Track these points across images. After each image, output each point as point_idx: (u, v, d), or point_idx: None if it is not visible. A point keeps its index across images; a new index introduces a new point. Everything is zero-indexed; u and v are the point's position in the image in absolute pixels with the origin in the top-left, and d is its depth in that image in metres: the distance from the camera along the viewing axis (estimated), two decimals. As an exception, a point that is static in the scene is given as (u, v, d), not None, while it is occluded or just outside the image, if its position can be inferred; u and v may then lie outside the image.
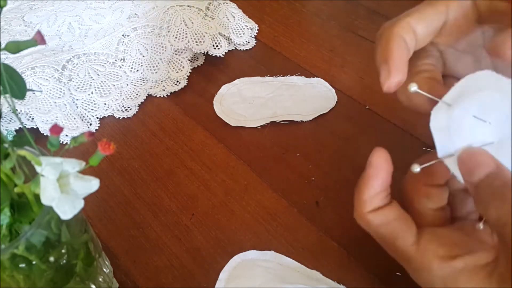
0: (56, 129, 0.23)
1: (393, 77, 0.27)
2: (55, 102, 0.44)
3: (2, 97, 0.24)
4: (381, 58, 0.28)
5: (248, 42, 0.53)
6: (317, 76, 0.48)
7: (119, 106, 0.46)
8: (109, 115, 0.46)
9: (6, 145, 0.24)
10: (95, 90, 0.46)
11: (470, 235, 0.27)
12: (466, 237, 0.27)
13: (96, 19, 0.52)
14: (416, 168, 0.27)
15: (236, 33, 0.52)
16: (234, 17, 0.53)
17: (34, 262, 0.25)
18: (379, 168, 0.27)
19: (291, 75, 0.48)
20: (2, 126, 0.43)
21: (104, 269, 0.32)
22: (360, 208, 0.28)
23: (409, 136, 0.42)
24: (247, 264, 0.34)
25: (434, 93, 0.27)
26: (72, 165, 0.23)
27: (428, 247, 0.26)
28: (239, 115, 0.45)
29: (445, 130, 0.26)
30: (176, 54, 0.49)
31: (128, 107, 0.47)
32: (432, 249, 0.26)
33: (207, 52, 0.49)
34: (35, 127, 0.43)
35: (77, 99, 0.46)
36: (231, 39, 0.52)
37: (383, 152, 0.28)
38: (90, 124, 0.45)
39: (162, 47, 0.49)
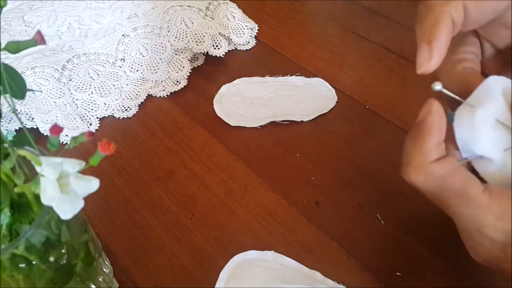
0: (56, 129, 0.23)
1: (434, 61, 0.25)
2: (55, 102, 0.44)
3: (2, 97, 0.24)
4: (423, 36, 0.26)
5: (248, 42, 0.53)
6: (317, 76, 0.48)
7: (119, 106, 0.46)
8: (109, 115, 0.46)
9: (6, 145, 0.24)
10: (95, 90, 0.46)
11: None
12: None
13: (96, 19, 0.52)
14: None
15: (236, 33, 0.52)
16: (234, 17, 0.53)
17: (34, 262, 0.25)
18: (440, 116, 0.25)
19: (291, 75, 0.48)
20: (2, 126, 0.43)
21: (104, 269, 0.32)
22: (420, 159, 0.25)
23: (409, 136, 0.42)
24: (247, 264, 0.34)
25: (471, 87, 0.26)
26: (72, 165, 0.23)
27: (503, 193, 0.24)
28: (239, 115, 0.45)
29: (468, 131, 0.25)
30: (176, 54, 0.49)
31: (128, 107, 0.47)
32: (507, 195, 0.24)
33: (207, 52, 0.49)
34: (35, 127, 0.43)
35: (77, 99, 0.46)
36: (231, 39, 0.52)
37: (439, 103, 0.25)
38: (90, 124, 0.45)
39: (162, 47, 0.49)
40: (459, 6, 0.26)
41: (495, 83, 0.25)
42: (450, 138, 0.26)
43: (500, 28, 0.28)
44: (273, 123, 0.44)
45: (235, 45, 0.52)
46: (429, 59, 0.25)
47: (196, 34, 0.49)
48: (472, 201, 0.24)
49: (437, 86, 0.25)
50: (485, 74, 0.30)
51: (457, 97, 0.26)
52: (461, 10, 0.26)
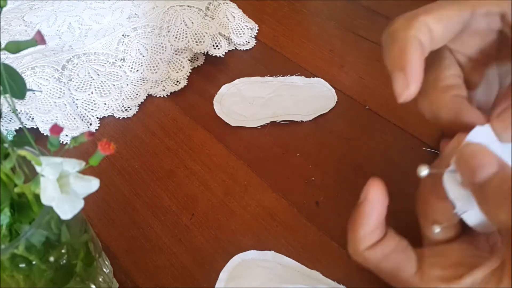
0: (56, 129, 0.23)
1: (412, 87, 0.25)
2: (55, 102, 0.44)
3: (2, 97, 0.24)
4: (395, 64, 0.26)
5: (248, 42, 0.53)
6: (317, 76, 0.48)
7: (119, 106, 0.46)
8: (109, 115, 0.46)
9: (6, 145, 0.24)
10: (95, 90, 0.46)
11: (473, 243, 0.26)
12: (469, 249, 0.26)
13: (96, 19, 0.52)
14: (424, 171, 0.25)
15: (236, 33, 0.52)
16: (234, 17, 0.53)
17: (34, 262, 0.25)
18: (376, 202, 0.26)
19: (291, 75, 0.48)
20: (2, 126, 0.43)
21: (104, 269, 0.32)
22: (356, 246, 0.27)
23: (409, 136, 0.42)
24: (247, 264, 0.34)
25: (461, 117, 0.26)
26: (72, 165, 0.23)
27: (432, 273, 0.25)
28: (239, 115, 0.45)
29: (463, 200, 0.25)
30: (176, 54, 0.49)
31: (128, 107, 0.47)
32: (437, 274, 0.25)
33: (207, 52, 0.49)
34: (35, 127, 0.43)
35: (77, 99, 0.46)
36: (231, 39, 0.52)
37: (379, 185, 0.26)
38: (90, 124, 0.45)
39: (162, 47, 0.49)
40: (422, 28, 0.26)
41: (478, 136, 0.25)
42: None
43: (470, 37, 0.28)
44: (273, 123, 0.44)
45: (235, 45, 0.52)
46: (407, 86, 0.25)
47: (196, 34, 0.49)
48: (403, 283, 0.26)
49: (423, 172, 0.25)
50: (469, 88, 0.30)
51: (438, 171, 0.25)
52: (426, 31, 0.26)
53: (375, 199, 0.26)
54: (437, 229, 0.26)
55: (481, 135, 0.25)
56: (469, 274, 0.24)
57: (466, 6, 0.26)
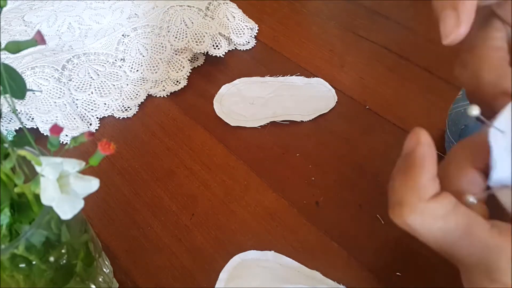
0: (56, 129, 0.23)
1: (462, 27, 0.23)
2: (55, 102, 0.44)
3: (2, 97, 0.24)
4: (446, 4, 0.23)
5: (248, 42, 0.53)
6: (317, 76, 0.48)
7: (119, 106, 0.46)
8: (109, 115, 0.46)
9: (6, 145, 0.24)
10: (95, 90, 0.46)
11: None
12: None
13: (96, 19, 0.52)
14: (471, 199, 0.22)
15: (236, 33, 0.52)
16: (234, 17, 0.53)
17: (34, 262, 0.25)
18: (430, 145, 0.22)
19: (291, 75, 0.48)
20: (2, 126, 0.43)
21: (104, 269, 0.32)
22: (417, 197, 0.21)
23: (409, 136, 0.42)
24: (247, 264, 0.34)
25: (505, 82, 0.23)
26: (72, 165, 0.23)
27: (510, 227, 0.21)
28: (239, 115, 0.45)
29: (505, 154, 0.22)
30: (176, 54, 0.49)
31: (128, 107, 0.47)
32: None
33: (207, 52, 0.49)
34: (35, 127, 0.43)
35: (77, 99, 0.46)
36: (231, 39, 0.52)
37: (427, 133, 0.22)
38: (90, 124, 0.45)
39: (162, 47, 0.49)
40: None
41: None
42: (477, 159, 0.23)
43: None
44: (273, 123, 0.44)
45: (235, 45, 0.52)
46: (458, 25, 0.23)
47: (196, 34, 0.49)
48: (480, 241, 0.21)
49: (475, 111, 0.22)
50: None
51: (489, 123, 0.22)
52: None
53: (429, 142, 0.22)
54: (471, 199, 0.22)
55: None
56: None
57: None
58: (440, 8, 0.24)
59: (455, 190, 0.23)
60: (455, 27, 0.23)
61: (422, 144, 0.22)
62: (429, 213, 0.21)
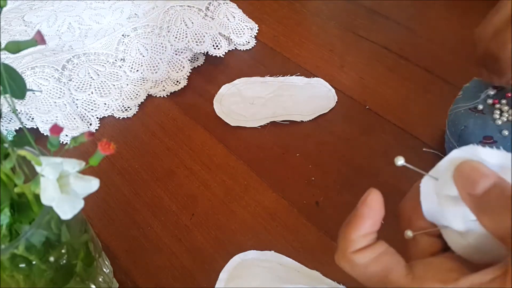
0: (56, 129, 0.23)
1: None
2: (55, 102, 0.44)
3: (2, 97, 0.24)
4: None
5: (248, 42, 0.53)
6: (317, 76, 0.48)
7: (119, 106, 0.46)
8: (109, 115, 0.46)
9: (6, 145, 0.24)
10: (95, 90, 0.46)
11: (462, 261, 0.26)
12: (459, 259, 0.25)
13: (96, 19, 0.52)
14: (410, 234, 0.26)
15: (236, 33, 0.52)
16: (234, 17, 0.53)
17: (34, 262, 0.25)
18: (374, 209, 0.26)
19: (291, 75, 0.48)
20: (2, 126, 0.43)
21: (104, 269, 0.32)
22: (345, 248, 0.26)
23: (409, 136, 0.42)
24: (247, 264, 0.34)
25: None
26: (72, 165, 0.23)
27: (426, 274, 0.25)
28: (239, 115, 0.45)
29: (433, 204, 0.25)
30: (176, 54, 0.49)
31: (128, 107, 0.47)
32: (431, 275, 0.24)
33: (207, 52, 0.49)
34: (35, 127, 0.43)
35: (77, 99, 0.46)
36: (231, 39, 0.52)
37: (378, 195, 0.26)
38: (90, 124, 0.45)
39: (162, 47, 0.49)
40: None
41: (457, 156, 0.25)
42: None
43: None
44: (273, 123, 0.44)
45: (235, 45, 0.52)
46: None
47: (196, 34, 0.49)
48: (394, 285, 0.25)
49: (400, 161, 0.25)
50: None
51: (420, 171, 0.25)
52: None
53: (373, 204, 0.26)
54: (409, 233, 0.26)
55: (457, 157, 0.25)
56: (466, 278, 0.23)
57: None
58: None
59: (413, 227, 0.27)
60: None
61: (366, 205, 0.26)
62: (353, 262, 0.25)
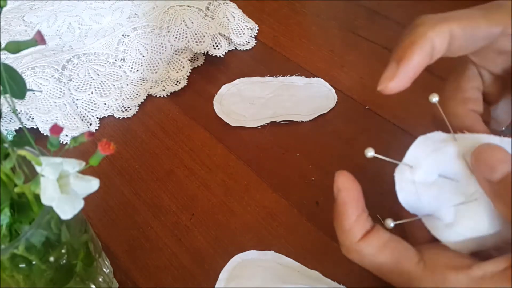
0: (56, 129, 0.23)
1: (394, 83, 0.25)
2: (55, 102, 0.44)
3: (2, 97, 0.24)
4: (396, 54, 0.25)
5: (248, 42, 0.53)
6: (317, 76, 0.48)
7: (119, 106, 0.46)
8: (109, 115, 0.46)
9: (6, 145, 0.24)
10: (95, 90, 0.46)
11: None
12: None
13: (96, 19, 0.52)
14: (390, 224, 0.25)
15: (236, 33, 0.52)
16: (234, 17, 0.53)
17: (34, 262, 0.25)
18: (348, 188, 0.25)
19: (291, 75, 0.48)
20: (2, 126, 0.43)
21: (104, 269, 0.32)
22: (347, 240, 0.25)
23: (409, 136, 0.42)
24: (247, 264, 0.34)
25: (472, 129, 0.26)
26: (72, 165, 0.23)
27: (437, 261, 0.23)
28: (239, 115, 0.45)
29: (411, 194, 0.24)
30: (176, 54, 0.49)
31: (128, 107, 0.47)
32: (443, 261, 0.23)
33: (207, 52, 0.49)
34: (35, 127, 0.43)
35: (77, 99, 0.46)
36: (231, 39, 0.52)
37: (344, 175, 0.25)
38: (90, 124, 0.45)
39: (162, 47, 0.49)
40: (443, 33, 0.25)
41: (426, 141, 0.25)
42: None
43: (495, 55, 0.27)
44: (273, 123, 0.44)
45: (235, 45, 0.52)
46: (391, 79, 0.25)
47: (196, 34, 0.49)
48: (406, 274, 0.24)
49: (370, 153, 0.24)
50: (487, 102, 0.30)
51: (392, 160, 0.25)
52: (446, 37, 0.25)
53: (346, 186, 0.25)
54: (390, 223, 0.25)
55: (427, 142, 0.25)
56: (478, 266, 0.22)
57: (497, 23, 0.25)
58: (392, 55, 0.26)
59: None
60: (388, 80, 0.25)
61: (340, 190, 0.25)
62: (361, 252, 0.24)
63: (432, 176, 0.24)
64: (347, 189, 0.25)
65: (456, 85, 0.29)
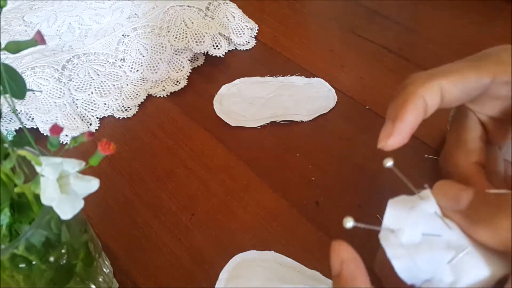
0: (56, 129, 0.23)
1: (392, 141, 0.26)
2: (55, 102, 0.44)
3: (2, 97, 0.24)
4: (391, 113, 0.27)
5: (248, 42, 0.53)
6: (317, 76, 0.48)
7: (119, 106, 0.46)
8: (109, 115, 0.46)
9: (6, 145, 0.24)
10: (95, 90, 0.46)
11: None
12: None
13: (96, 19, 0.52)
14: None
15: (236, 33, 0.52)
16: (234, 17, 0.53)
17: (34, 262, 0.25)
18: (354, 259, 0.24)
19: (291, 75, 0.48)
20: (2, 126, 0.43)
21: (104, 269, 0.32)
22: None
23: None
24: (247, 264, 0.34)
25: (472, 184, 0.26)
26: (72, 165, 0.23)
27: None
28: (239, 115, 0.45)
29: (405, 255, 0.24)
30: (176, 54, 0.49)
31: (128, 107, 0.47)
32: None
33: (207, 52, 0.49)
34: (35, 127, 0.43)
35: (77, 99, 0.46)
36: (231, 39, 0.52)
37: (344, 243, 0.24)
38: (90, 124, 0.45)
39: (162, 47, 0.49)
40: (433, 90, 0.26)
41: (398, 204, 0.24)
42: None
43: (491, 101, 0.28)
44: (273, 123, 0.44)
45: (235, 45, 0.52)
46: (389, 136, 0.26)
47: (196, 34, 0.49)
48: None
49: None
50: (493, 143, 0.30)
51: (372, 227, 0.24)
52: (437, 93, 0.26)
53: (351, 257, 0.24)
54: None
55: (400, 205, 0.25)
56: None
57: (486, 73, 0.26)
58: (387, 114, 0.27)
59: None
60: (386, 138, 0.27)
61: (346, 261, 0.23)
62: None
63: (417, 236, 0.24)
64: (353, 260, 0.24)
65: (458, 136, 0.29)
